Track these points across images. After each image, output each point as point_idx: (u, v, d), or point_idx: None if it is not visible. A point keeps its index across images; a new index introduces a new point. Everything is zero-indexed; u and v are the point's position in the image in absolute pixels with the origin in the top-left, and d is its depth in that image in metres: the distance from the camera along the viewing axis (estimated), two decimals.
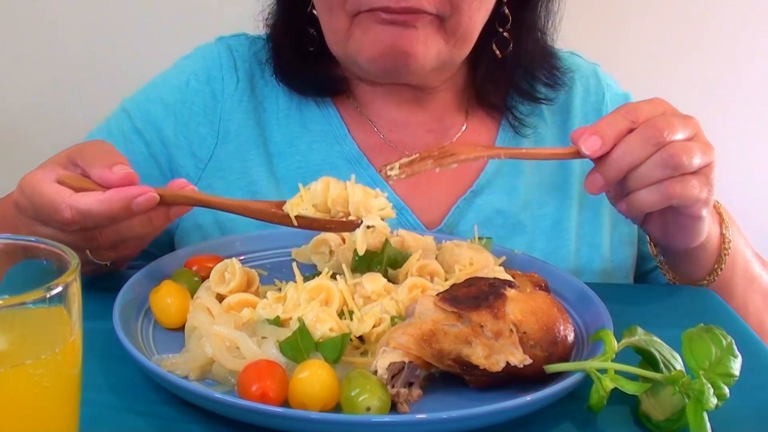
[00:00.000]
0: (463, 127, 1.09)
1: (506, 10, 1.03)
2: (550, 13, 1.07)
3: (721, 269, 0.95)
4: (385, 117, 1.08)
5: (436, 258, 0.86)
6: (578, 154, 0.83)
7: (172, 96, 1.08)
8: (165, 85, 1.11)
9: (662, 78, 1.82)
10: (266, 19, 1.10)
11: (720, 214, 0.96)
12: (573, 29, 1.09)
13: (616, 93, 1.14)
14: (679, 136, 0.82)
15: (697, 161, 0.82)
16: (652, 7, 1.81)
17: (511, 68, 1.06)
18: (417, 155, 0.82)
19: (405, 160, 0.82)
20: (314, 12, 1.01)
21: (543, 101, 1.09)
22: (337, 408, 0.63)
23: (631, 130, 0.82)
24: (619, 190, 0.86)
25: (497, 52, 1.05)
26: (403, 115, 1.08)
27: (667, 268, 0.99)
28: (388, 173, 0.81)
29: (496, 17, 1.02)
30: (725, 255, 0.94)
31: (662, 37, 1.83)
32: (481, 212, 1.05)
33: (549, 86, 1.09)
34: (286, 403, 0.63)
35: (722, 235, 0.94)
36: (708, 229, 0.90)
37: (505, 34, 1.04)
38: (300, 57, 1.06)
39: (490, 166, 1.07)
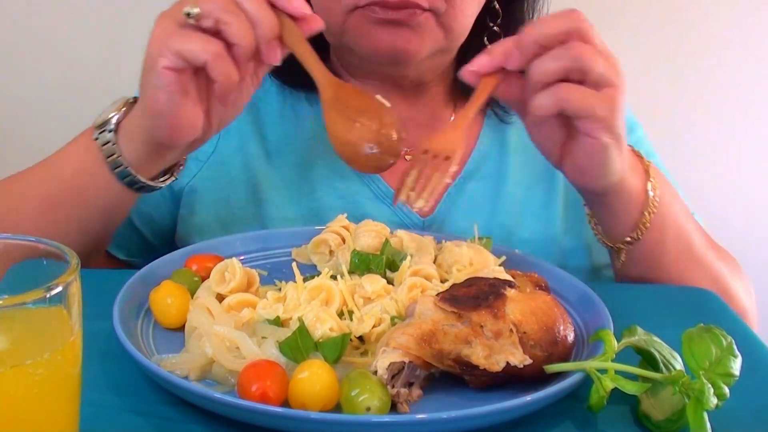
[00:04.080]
0: (451, 119, 1.11)
1: (497, 6, 1.06)
2: (535, 9, 1.10)
3: (645, 227, 0.93)
4: None
5: (435, 258, 0.86)
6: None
7: None
8: None
9: (650, 72, 1.83)
10: None
11: (647, 172, 0.94)
12: None
13: None
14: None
15: (598, 67, 0.80)
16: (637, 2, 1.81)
17: None
18: (414, 171, 0.80)
19: (410, 181, 0.80)
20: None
21: None
22: (337, 408, 0.63)
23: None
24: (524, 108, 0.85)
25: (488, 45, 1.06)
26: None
27: (595, 221, 0.99)
28: (415, 205, 0.79)
29: (487, 12, 1.05)
30: (649, 213, 0.93)
31: (647, 32, 1.83)
32: (471, 199, 1.07)
33: None
34: (286, 403, 0.63)
35: (646, 191, 0.93)
36: (621, 171, 0.88)
37: (495, 28, 1.07)
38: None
39: (478, 151, 1.09)
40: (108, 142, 0.88)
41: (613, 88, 0.82)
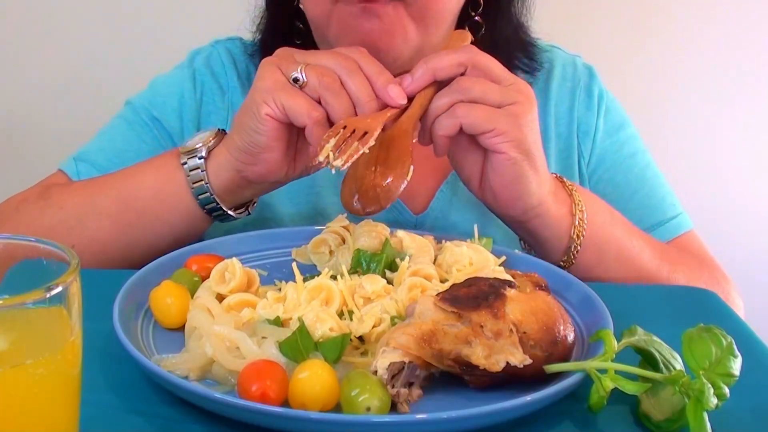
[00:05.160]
0: None
1: None
2: (524, 1, 1.10)
3: (576, 251, 0.93)
4: None
5: (435, 258, 0.86)
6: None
7: (180, 87, 1.12)
8: (171, 80, 1.15)
9: (640, 69, 1.84)
10: (258, 24, 1.14)
11: (571, 196, 0.94)
12: (554, 22, 1.15)
13: (596, 80, 1.18)
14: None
15: (491, 91, 0.83)
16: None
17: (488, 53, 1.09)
18: (333, 138, 0.80)
19: (329, 146, 0.79)
20: (300, 6, 1.04)
21: None
22: (337, 408, 0.63)
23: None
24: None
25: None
26: None
27: (527, 247, 1.00)
28: (333, 164, 0.79)
29: (469, 2, 1.04)
30: (578, 236, 0.93)
31: (642, 29, 1.84)
32: (464, 196, 1.06)
33: (528, 73, 1.13)
34: (286, 403, 0.63)
35: (571, 215, 0.93)
36: (539, 193, 0.89)
37: (477, 18, 1.07)
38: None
39: None
40: (197, 168, 0.91)
41: (516, 105, 0.84)
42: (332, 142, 0.80)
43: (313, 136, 0.84)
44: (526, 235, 0.96)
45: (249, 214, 0.98)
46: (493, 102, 0.84)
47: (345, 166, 0.79)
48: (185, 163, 0.92)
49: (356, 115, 0.84)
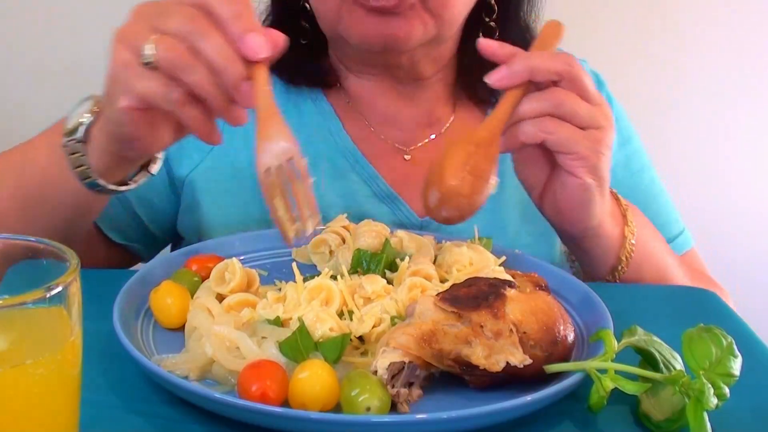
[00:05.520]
0: (451, 118, 1.12)
1: (492, 0, 1.06)
2: (533, 4, 1.10)
3: (622, 272, 0.95)
4: (374, 111, 1.10)
5: (435, 258, 0.86)
6: None
7: None
8: None
9: (647, 74, 1.84)
10: (263, 23, 1.13)
11: (625, 216, 0.95)
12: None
13: (603, 88, 1.17)
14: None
15: (582, 111, 0.82)
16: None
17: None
18: (278, 200, 0.70)
19: (283, 214, 0.70)
20: (306, 5, 1.03)
21: None
22: (337, 408, 0.63)
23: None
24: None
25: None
26: (394, 108, 1.10)
27: (572, 258, 1.01)
28: (307, 231, 0.70)
29: (483, 7, 1.05)
30: (626, 258, 0.94)
31: (645, 32, 1.84)
32: None
33: None
34: (286, 403, 0.63)
35: (624, 237, 0.94)
36: (600, 215, 0.89)
37: (491, 23, 1.07)
38: (293, 49, 1.06)
39: None
40: (76, 152, 0.82)
41: (599, 130, 0.84)
42: (282, 208, 0.69)
43: (183, 119, 0.72)
44: (577, 251, 0.97)
45: (153, 174, 0.88)
46: (580, 123, 0.83)
47: (318, 224, 0.71)
48: (65, 146, 0.83)
49: (217, 87, 0.70)
